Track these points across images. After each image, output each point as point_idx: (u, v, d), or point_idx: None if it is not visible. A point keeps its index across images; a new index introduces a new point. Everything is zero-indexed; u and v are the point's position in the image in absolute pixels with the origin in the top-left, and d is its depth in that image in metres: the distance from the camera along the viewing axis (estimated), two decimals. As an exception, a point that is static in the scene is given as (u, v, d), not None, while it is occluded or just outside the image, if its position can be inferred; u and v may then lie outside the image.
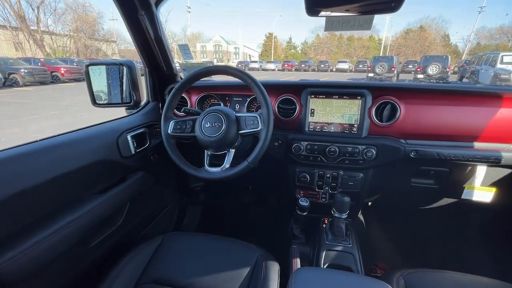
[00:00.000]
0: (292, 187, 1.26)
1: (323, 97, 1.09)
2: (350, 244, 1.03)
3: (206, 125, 0.94)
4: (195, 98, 1.29)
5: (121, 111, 1.29)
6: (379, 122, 1.05)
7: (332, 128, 1.10)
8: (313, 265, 1.01)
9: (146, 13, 1.02)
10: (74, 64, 15.75)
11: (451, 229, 1.47)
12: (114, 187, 0.98)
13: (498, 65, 9.19)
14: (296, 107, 1.13)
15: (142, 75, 1.26)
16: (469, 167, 1.07)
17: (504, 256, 1.18)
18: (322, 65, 26.73)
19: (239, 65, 31.30)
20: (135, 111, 1.23)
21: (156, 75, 1.26)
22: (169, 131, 0.99)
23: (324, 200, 1.23)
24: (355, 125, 1.07)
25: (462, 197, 1.11)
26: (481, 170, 1.05)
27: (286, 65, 28.32)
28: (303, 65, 27.44)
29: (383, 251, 1.54)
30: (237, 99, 1.27)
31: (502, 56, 9.54)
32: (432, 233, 1.52)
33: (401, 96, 1.04)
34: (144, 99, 1.30)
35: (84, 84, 1.13)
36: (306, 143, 1.11)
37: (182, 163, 0.98)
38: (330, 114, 1.09)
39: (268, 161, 1.11)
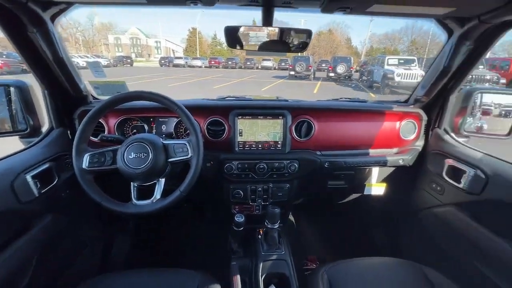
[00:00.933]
0: (228, 203, 1.30)
1: (249, 118, 1.16)
2: (283, 251, 1.14)
3: (130, 156, 0.88)
4: (113, 121, 1.17)
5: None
6: (298, 138, 1.20)
7: (260, 146, 1.18)
8: (252, 278, 1.08)
9: (39, 31, 0.86)
10: None
11: (360, 219, 1.79)
12: (13, 242, 0.81)
13: (386, 66, 11.41)
14: (225, 128, 1.17)
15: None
16: (367, 169, 1.34)
17: (396, 236, 1.53)
18: (248, 63, 27.49)
19: (162, 61, 29.21)
20: (35, 140, 1.03)
21: (60, 97, 1.08)
22: (84, 166, 0.88)
23: (257, 212, 1.31)
24: (279, 142, 1.18)
25: (364, 193, 1.37)
26: (375, 171, 1.32)
27: (213, 62, 27.89)
28: (230, 62, 27.60)
29: (312, 244, 1.76)
30: (163, 120, 1.22)
31: (388, 59, 11.93)
32: (347, 224, 1.82)
33: (314, 115, 1.21)
34: (45, 124, 1.10)
35: None
36: (237, 162, 1.16)
37: (104, 200, 0.88)
38: (257, 133, 1.17)
39: (202, 181, 1.11)
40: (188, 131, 1.15)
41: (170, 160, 0.91)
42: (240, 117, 1.15)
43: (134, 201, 0.90)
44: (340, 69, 14.70)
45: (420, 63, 12.77)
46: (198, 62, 28.04)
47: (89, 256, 1.28)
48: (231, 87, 12.37)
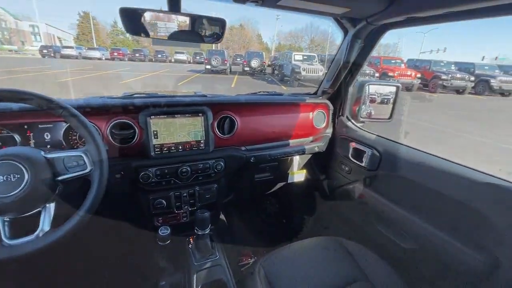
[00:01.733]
0: (149, 216, 1.14)
1: (164, 117, 1.02)
2: (217, 256, 1.08)
3: None
4: None
5: None
6: (222, 135, 1.15)
7: (180, 147, 1.06)
8: None
9: None
10: None
11: (288, 205, 1.91)
12: None
13: (293, 62, 12.64)
14: (135, 131, 1.00)
15: None
16: (289, 159, 1.42)
17: (319, 215, 1.70)
18: (159, 55, 25.33)
19: (45, 51, 23.52)
20: None
21: None
22: None
23: (185, 219, 1.21)
24: (201, 141, 1.10)
25: (288, 181, 1.45)
26: (296, 159, 1.42)
27: (116, 54, 24.28)
28: (137, 55, 24.70)
29: (246, 240, 1.76)
30: (45, 126, 0.93)
31: (294, 55, 13.25)
32: (277, 212, 1.91)
33: (235, 110, 1.17)
34: None
35: None
36: (154, 169, 1.01)
37: None
38: (175, 134, 1.05)
39: (112, 196, 0.91)
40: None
41: (60, 178, 0.71)
42: (152, 116, 1.00)
43: (6, 241, 0.66)
44: (254, 63, 15.39)
45: (321, 59, 14.71)
46: (96, 54, 23.87)
47: None
48: (142, 82, 11.13)
